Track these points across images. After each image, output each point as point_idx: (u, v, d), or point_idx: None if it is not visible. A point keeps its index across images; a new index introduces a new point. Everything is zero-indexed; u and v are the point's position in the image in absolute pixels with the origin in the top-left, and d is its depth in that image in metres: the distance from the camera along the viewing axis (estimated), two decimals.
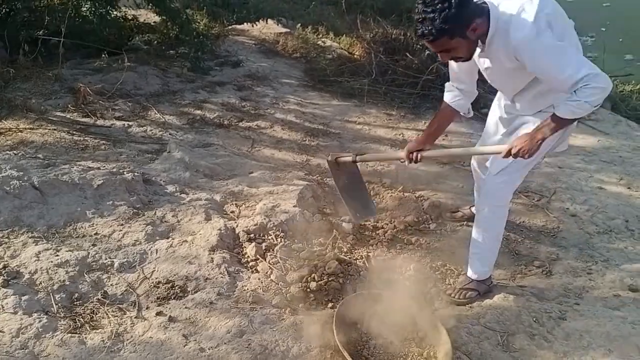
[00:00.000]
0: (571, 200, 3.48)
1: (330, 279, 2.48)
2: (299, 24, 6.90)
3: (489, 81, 2.41)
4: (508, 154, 2.14)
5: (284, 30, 6.82)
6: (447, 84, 2.49)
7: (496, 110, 2.60)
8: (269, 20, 6.93)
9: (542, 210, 3.38)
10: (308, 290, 2.41)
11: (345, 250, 2.79)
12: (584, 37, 8.88)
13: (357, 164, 2.81)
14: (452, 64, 2.37)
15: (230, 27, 6.71)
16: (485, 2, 2.04)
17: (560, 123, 2.05)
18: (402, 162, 2.56)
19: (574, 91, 1.94)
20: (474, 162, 2.94)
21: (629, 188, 3.70)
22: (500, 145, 2.29)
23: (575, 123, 2.24)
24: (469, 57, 2.14)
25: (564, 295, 2.64)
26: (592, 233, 3.18)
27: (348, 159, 2.71)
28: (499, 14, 2.03)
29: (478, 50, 2.16)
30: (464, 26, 1.98)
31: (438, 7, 1.90)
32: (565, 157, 4.05)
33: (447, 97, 2.48)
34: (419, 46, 5.43)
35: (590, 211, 3.38)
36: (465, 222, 3.20)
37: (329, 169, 2.86)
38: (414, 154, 2.47)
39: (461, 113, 2.51)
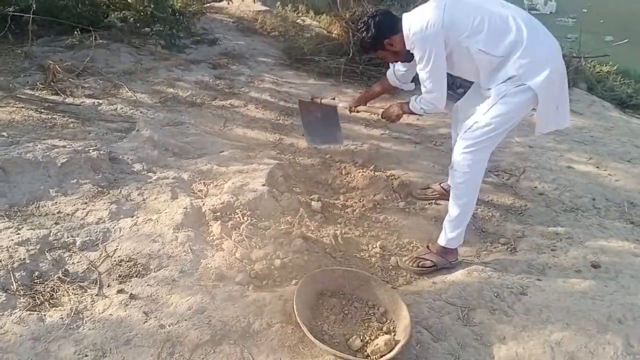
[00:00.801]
0: (540, 179, 3.51)
1: (295, 257, 2.49)
2: (279, 2, 6.83)
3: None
4: (382, 115, 2.98)
5: (263, 8, 6.75)
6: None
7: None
8: None
9: (511, 188, 3.41)
10: (272, 267, 2.42)
11: (312, 228, 2.79)
12: (565, 18, 8.92)
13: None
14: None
15: (208, 4, 6.62)
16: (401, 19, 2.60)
17: (410, 111, 2.77)
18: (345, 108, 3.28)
19: (419, 96, 2.66)
20: (454, 134, 3.06)
21: (597, 167, 3.74)
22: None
23: (554, 106, 2.48)
24: (403, 60, 2.74)
25: (527, 271, 2.67)
26: (558, 211, 3.22)
27: (318, 101, 3.39)
28: (406, 24, 2.53)
29: None
30: (381, 43, 2.64)
31: (363, 33, 2.66)
32: (536, 136, 4.07)
33: (387, 73, 3.09)
34: None
35: (558, 190, 3.42)
36: (434, 200, 3.22)
37: (299, 107, 3.49)
38: (355, 108, 3.19)
39: (394, 84, 3.08)
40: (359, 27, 2.72)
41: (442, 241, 2.65)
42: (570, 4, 9.46)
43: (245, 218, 2.70)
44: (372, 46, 2.69)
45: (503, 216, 3.16)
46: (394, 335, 2.09)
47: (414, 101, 2.70)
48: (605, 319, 2.30)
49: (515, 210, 3.22)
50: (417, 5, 2.72)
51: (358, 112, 3.24)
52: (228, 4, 6.42)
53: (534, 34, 2.41)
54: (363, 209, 3.08)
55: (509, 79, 2.42)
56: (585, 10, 9.31)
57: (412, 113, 2.79)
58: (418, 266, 2.64)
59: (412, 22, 2.49)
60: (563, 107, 2.56)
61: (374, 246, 2.77)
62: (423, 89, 2.61)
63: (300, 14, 6.61)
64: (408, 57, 2.65)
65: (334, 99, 3.42)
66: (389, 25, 2.61)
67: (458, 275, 2.59)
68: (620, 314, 2.33)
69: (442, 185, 3.22)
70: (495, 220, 3.12)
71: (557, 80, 2.45)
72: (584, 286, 2.54)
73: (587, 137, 4.22)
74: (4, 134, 3.09)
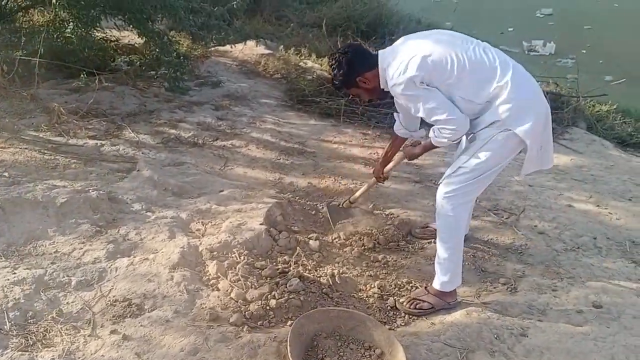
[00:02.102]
0: (540, 218, 3.50)
1: (291, 297, 2.47)
2: (282, 46, 6.98)
3: None
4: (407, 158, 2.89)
5: (266, 51, 6.88)
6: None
7: None
8: (252, 42, 7.01)
9: (511, 227, 3.39)
10: (268, 307, 2.39)
11: (309, 267, 2.78)
12: (564, 59, 9.03)
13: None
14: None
15: (212, 48, 6.77)
16: (377, 54, 2.53)
17: (431, 145, 2.59)
18: (377, 185, 3.29)
19: (436, 128, 2.45)
20: None
21: (597, 206, 3.72)
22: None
23: (537, 147, 2.43)
24: (377, 98, 2.79)
25: (527, 312, 2.63)
26: (559, 250, 3.19)
27: (347, 204, 3.36)
28: (382, 62, 2.49)
29: None
30: (354, 80, 2.57)
31: (334, 70, 2.59)
32: (536, 175, 4.08)
33: (395, 127, 2.95)
34: None
35: (558, 229, 3.40)
36: (433, 240, 3.20)
37: (328, 212, 3.35)
38: (382, 176, 3.11)
39: (410, 138, 2.96)
40: (329, 64, 2.63)
41: (436, 285, 2.61)
42: (569, 45, 9.59)
43: (242, 257, 2.70)
44: (344, 84, 2.62)
45: (503, 255, 3.13)
46: None
47: (434, 134, 2.47)
48: None
49: (515, 250, 3.19)
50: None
51: (387, 177, 3.16)
52: (232, 47, 6.57)
53: (516, 77, 2.35)
54: (362, 248, 3.07)
55: (492, 123, 2.38)
56: (584, 51, 9.43)
57: (437, 147, 2.59)
58: (415, 308, 2.60)
59: (390, 67, 2.41)
60: (547, 147, 2.51)
61: (372, 286, 2.74)
62: (438, 125, 2.43)
63: (302, 57, 6.74)
64: (383, 94, 2.64)
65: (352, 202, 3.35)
66: (361, 62, 2.54)
67: (457, 315, 2.55)
68: (623, 356, 2.28)
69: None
70: (495, 260, 3.09)
71: (542, 123, 2.41)
72: (585, 327, 2.50)
73: (587, 176, 4.22)
74: (6, 174, 3.13)
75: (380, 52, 2.53)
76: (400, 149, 2.97)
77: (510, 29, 10.68)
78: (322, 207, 3.42)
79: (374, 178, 3.16)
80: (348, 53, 2.55)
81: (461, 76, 2.35)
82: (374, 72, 2.52)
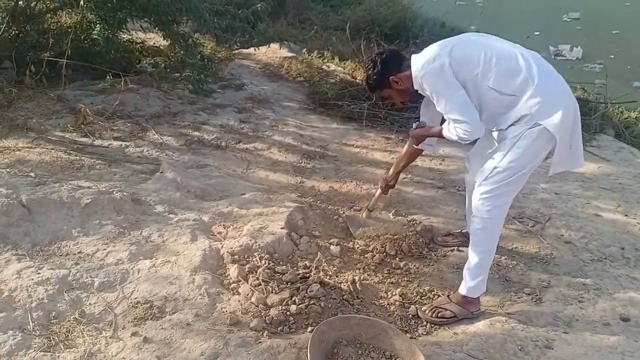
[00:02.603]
0: (566, 227, 3.43)
1: (311, 302, 2.45)
2: (305, 49, 6.98)
3: None
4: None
5: (289, 54, 6.90)
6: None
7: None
8: (275, 45, 7.02)
9: (536, 236, 3.33)
10: (288, 313, 2.38)
11: (330, 273, 2.76)
12: (592, 64, 8.86)
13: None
14: (422, 107, 2.90)
15: (236, 51, 6.80)
16: (411, 57, 2.58)
17: (440, 134, 2.63)
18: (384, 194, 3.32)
19: (449, 124, 2.50)
20: (466, 176, 3.00)
21: (626, 215, 3.63)
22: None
23: (566, 145, 2.41)
24: (410, 101, 2.82)
25: (553, 323, 2.57)
26: (586, 260, 3.12)
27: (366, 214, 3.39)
28: (415, 63, 2.53)
29: None
30: (387, 80, 2.65)
31: (369, 70, 2.72)
32: (562, 183, 4.00)
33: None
34: None
35: (585, 238, 3.32)
36: (456, 247, 3.16)
37: (348, 222, 3.34)
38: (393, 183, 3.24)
39: (425, 151, 3.11)
40: (366, 65, 2.78)
41: (462, 290, 2.57)
42: (597, 50, 9.41)
43: (263, 261, 2.69)
44: (378, 83, 2.71)
45: (528, 265, 3.07)
46: None
47: (447, 126, 2.52)
48: None
49: (541, 259, 3.12)
50: None
51: (392, 185, 3.28)
52: (255, 50, 6.59)
53: (544, 72, 2.38)
54: (384, 254, 3.04)
55: (521, 117, 2.39)
56: (612, 57, 9.24)
57: (442, 137, 2.64)
58: (437, 316, 2.56)
59: (419, 60, 2.50)
60: (576, 147, 2.51)
61: (394, 294, 2.71)
62: (454, 122, 2.47)
63: (325, 60, 6.73)
64: (415, 97, 2.69)
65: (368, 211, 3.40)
66: (395, 63, 2.64)
67: (480, 326, 2.51)
68: None
69: (463, 232, 3.16)
70: (520, 269, 3.03)
71: (571, 118, 2.40)
72: (612, 340, 2.43)
73: (615, 184, 4.12)
74: (32, 174, 3.17)
75: (413, 56, 2.58)
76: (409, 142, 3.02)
77: (536, 33, 10.52)
78: (342, 220, 3.40)
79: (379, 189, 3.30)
80: (383, 54, 2.68)
81: (489, 67, 2.39)
82: (407, 73, 2.57)
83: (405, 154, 3.11)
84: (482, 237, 2.53)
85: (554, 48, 9.51)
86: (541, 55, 2.51)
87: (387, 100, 3.06)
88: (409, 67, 2.55)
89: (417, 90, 2.60)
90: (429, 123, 2.85)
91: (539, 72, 2.35)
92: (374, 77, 2.69)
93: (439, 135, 2.64)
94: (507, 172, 2.42)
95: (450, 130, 2.50)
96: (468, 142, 2.53)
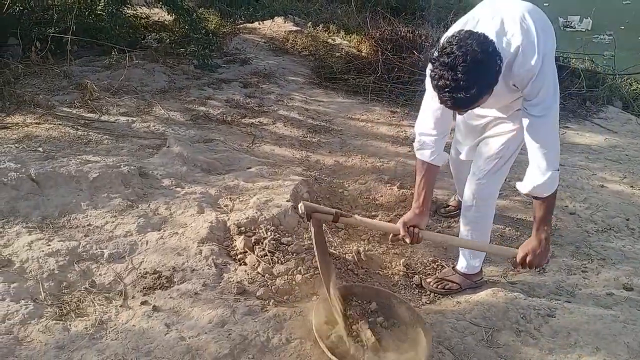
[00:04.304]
0: (571, 198, 3.43)
1: (316, 272, 2.48)
2: (310, 22, 6.93)
3: None
4: (522, 262, 2.10)
5: (294, 28, 6.85)
6: (415, 143, 2.21)
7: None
8: (280, 18, 6.97)
9: None
10: (294, 282, 2.42)
11: (335, 244, 2.79)
12: (601, 35, 8.74)
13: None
14: (434, 111, 2.08)
15: (241, 25, 6.77)
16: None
17: (552, 203, 2.03)
18: (399, 238, 2.20)
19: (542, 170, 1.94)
20: (452, 152, 2.84)
21: (631, 187, 3.63)
22: (514, 249, 2.22)
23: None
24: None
25: (556, 292, 2.60)
26: (590, 231, 3.13)
27: (327, 217, 2.15)
28: (506, 54, 1.82)
29: None
30: (491, 89, 1.79)
31: (473, 78, 1.67)
32: (568, 154, 4.00)
33: (425, 155, 2.18)
34: (426, 43, 5.42)
35: (590, 209, 3.33)
36: (458, 217, 3.17)
37: (310, 225, 2.19)
38: (413, 229, 2.14)
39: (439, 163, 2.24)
40: (467, 68, 1.65)
41: (462, 268, 2.59)
42: (606, 21, 9.27)
43: (269, 233, 2.72)
44: (482, 95, 1.76)
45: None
46: (414, 354, 2.06)
47: (545, 175, 1.97)
48: (637, 344, 2.23)
49: None
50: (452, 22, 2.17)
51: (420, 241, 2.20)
52: (260, 24, 6.55)
53: None
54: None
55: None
56: (623, 27, 9.10)
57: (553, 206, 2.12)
58: (444, 289, 2.59)
59: (525, 49, 1.82)
60: None
61: (398, 264, 2.74)
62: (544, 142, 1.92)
63: (331, 34, 6.68)
64: None
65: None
66: (494, 70, 1.75)
67: (483, 295, 2.54)
68: None
69: (457, 198, 3.16)
70: (524, 240, 3.02)
71: None
72: (615, 309, 2.46)
73: (621, 156, 4.11)
74: (40, 149, 3.21)
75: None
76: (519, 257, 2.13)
77: (545, 4, 10.34)
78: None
79: (398, 226, 2.16)
80: (491, 46, 1.72)
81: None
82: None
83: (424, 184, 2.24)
84: (481, 224, 2.51)
85: (563, 19, 9.39)
86: None
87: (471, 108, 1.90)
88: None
89: None
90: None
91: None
92: (485, 86, 1.75)
93: (553, 200, 2.09)
94: (511, 159, 2.37)
95: (553, 178, 1.99)
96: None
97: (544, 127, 1.93)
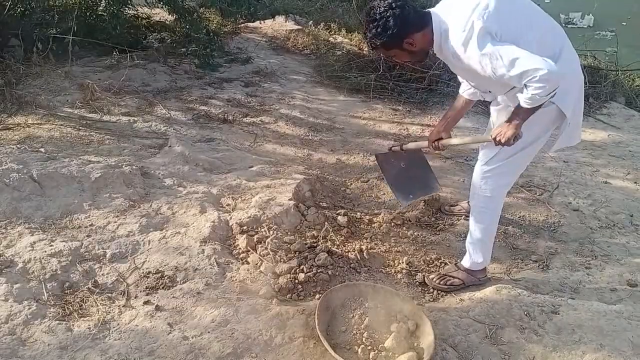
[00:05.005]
0: (574, 195, 3.42)
1: (319, 271, 2.48)
2: (311, 21, 6.92)
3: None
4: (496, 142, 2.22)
5: (295, 27, 6.85)
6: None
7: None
8: (281, 17, 6.97)
9: (544, 204, 3.32)
10: (296, 281, 2.42)
11: (337, 242, 2.79)
12: (603, 31, 8.71)
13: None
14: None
15: (242, 24, 6.76)
16: (429, 13, 2.17)
17: (525, 110, 2.11)
18: (426, 150, 2.89)
19: (524, 85, 2.00)
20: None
21: (635, 183, 3.62)
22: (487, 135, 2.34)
23: (567, 119, 2.25)
24: (417, 61, 2.48)
25: (559, 289, 2.59)
26: (594, 228, 3.12)
27: (397, 149, 2.98)
28: (440, 23, 2.14)
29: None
30: (400, 41, 2.17)
31: (377, 28, 2.16)
32: (571, 151, 3.98)
33: (461, 89, 2.61)
34: None
35: (594, 206, 3.31)
36: (463, 216, 3.17)
37: (378, 162, 3.07)
38: (436, 142, 2.66)
39: (474, 98, 2.58)
40: (370, 19, 2.17)
41: (466, 263, 2.59)
42: (608, 17, 9.25)
43: (271, 232, 2.72)
44: (387, 43, 2.19)
45: (535, 232, 3.08)
46: (418, 352, 2.06)
47: (522, 95, 2.04)
48: None
49: (548, 227, 3.13)
50: None
51: (444, 148, 2.70)
52: (261, 23, 6.55)
53: (565, 50, 2.19)
54: (391, 224, 3.06)
55: None
56: (624, 24, 9.09)
57: (532, 112, 2.11)
58: (446, 285, 2.58)
59: (456, 27, 2.07)
60: (576, 124, 2.36)
61: (400, 262, 2.74)
62: (524, 80, 1.98)
63: (331, 32, 6.67)
64: (424, 57, 2.34)
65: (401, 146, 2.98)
66: (415, 22, 2.15)
67: (487, 292, 2.53)
68: None
69: (470, 203, 3.16)
70: (527, 237, 3.04)
71: (578, 97, 2.30)
72: (619, 306, 2.45)
73: (625, 152, 4.09)
74: (42, 149, 3.21)
75: (433, 10, 2.19)
76: (491, 133, 2.29)
77: (547, 1, 10.34)
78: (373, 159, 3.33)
79: (426, 142, 2.77)
80: (397, 9, 2.12)
81: (525, 34, 2.08)
82: (425, 31, 2.15)
83: (454, 110, 2.66)
84: (485, 216, 2.51)
85: (565, 16, 9.38)
86: None
87: (389, 57, 2.60)
88: (428, 23, 2.14)
89: (427, 51, 2.27)
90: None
91: (561, 50, 2.17)
92: (384, 36, 2.15)
93: (526, 114, 2.12)
94: (512, 149, 2.32)
95: (528, 99, 2.02)
96: (553, 93, 2.00)
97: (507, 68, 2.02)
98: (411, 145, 2.93)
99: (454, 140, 2.65)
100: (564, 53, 2.18)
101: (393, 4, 2.13)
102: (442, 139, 2.64)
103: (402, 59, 2.35)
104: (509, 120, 2.16)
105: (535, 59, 1.96)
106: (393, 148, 3.00)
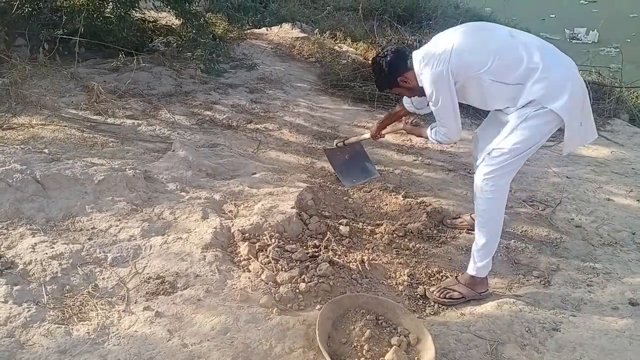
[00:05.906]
0: (577, 211, 3.41)
1: (320, 281, 2.47)
2: (317, 29, 6.94)
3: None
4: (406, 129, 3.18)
5: (301, 34, 6.86)
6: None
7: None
8: (287, 25, 6.98)
9: (546, 220, 3.32)
10: (297, 291, 2.41)
11: (339, 253, 2.78)
12: (608, 47, 8.73)
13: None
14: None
15: (248, 31, 6.78)
16: (410, 55, 2.66)
17: (421, 135, 2.99)
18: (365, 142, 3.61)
19: (435, 126, 2.75)
20: (474, 162, 2.95)
21: (638, 200, 3.61)
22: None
23: (577, 124, 2.45)
24: (419, 95, 2.77)
25: (561, 306, 2.58)
26: (596, 245, 3.11)
27: (341, 144, 3.63)
28: (417, 65, 2.60)
29: None
30: (395, 81, 2.71)
31: (377, 74, 2.79)
32: (574, 167, 3.98)
33: (404, 100, 3.10)
34: None
35: (596, 222, 3.31)
36: (465, 229, 3.16)
37: (326, 156, 3.69)
38: (378, 135, 3.45)
39: (411, 116, 3.20)
40: (372, 68, 2.82)
41: (471, 270, 2.59)
42: (613, 34, 9.27)
43: (273, 240, 2.71)
44: (386, 84, 2.81)
45: (537, 248, 3.07)
46: None
47: (430, 130, 2.80)
48: None
49: (550, 243, 3.12)
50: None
51: (382, 136, 3.47)
52: (267, 30, 6.56)
53: (548, 55, 2.41)
54: (393, 235, 3.05)
55: (528, 102, 2.40)
56: (629, 40, 9.10)
57: (422, 136, 2.93)
58: (446, 297, 2.58)
59: (421, 62, 2.55)
60: (587, 122, 2.54)
61: (402, 274, 2.73)
62: (437, 122, 2.69)
63: (337, 41, 6.69)
64: (423, 92, 2.67)
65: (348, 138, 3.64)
66: (400, 63, 2.66)
67: (488, 307, 2.52)
68: None
69: (472, 216, 3.16)
70: (529, 252, 3.03)
71: (579, 98, 2.43)
72: (620, 324, 2.44)
73: (628, 169, 4.09)
74: (46, 150, 3.20)
75: (414, 52, 2.64)
76: (404, 120, 3.20)
77: (552, 16, 10.38)
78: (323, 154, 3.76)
79: (369, 133, 3.47)
80: (387, 56, 2.68)
81: (491, 62, 2.41)
82: (413, 71, 2.63)
83: (394, 115, 3.35)
84: (488, 217, 2.55)
85: (569, 31, 9.38)
86: (556, 39, 2.53)
87: (399, 95, 3.12)
88: (412, 64, 2.62)
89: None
90: (418, 99, 2.98)
91: (542, 57, 2.38)
92: (382, 79, 2.77)
93: (425, 136, 2.88)
94: (511, 153, 2.44)
95: (430, 135, 2.80)
96: (447, 143, 3.11)
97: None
98: (352, 139, 3.60)
99: (389, 129, 3.42)
100: (545, 61, 2.38)
101: (382, 53, 2.72)
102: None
103: (406, 94, 2.91)
104: (420, 131, 2.98)
105: (452, 119, 2.59)
106: (338, 144, 3.63)
